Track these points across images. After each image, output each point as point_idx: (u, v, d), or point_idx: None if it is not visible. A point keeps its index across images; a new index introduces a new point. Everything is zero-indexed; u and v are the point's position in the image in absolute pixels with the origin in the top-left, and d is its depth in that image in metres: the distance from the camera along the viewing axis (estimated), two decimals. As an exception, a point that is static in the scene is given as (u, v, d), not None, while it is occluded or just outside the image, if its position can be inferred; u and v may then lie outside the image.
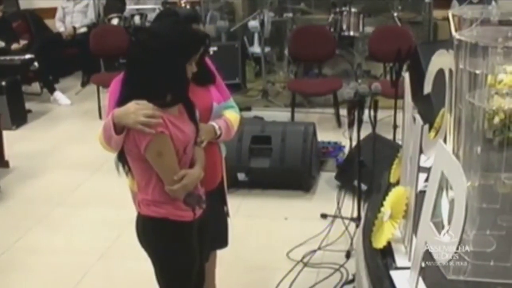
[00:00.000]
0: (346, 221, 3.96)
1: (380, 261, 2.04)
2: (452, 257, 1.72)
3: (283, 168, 4.55)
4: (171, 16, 2.59)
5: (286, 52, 6.91)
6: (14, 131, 6.16)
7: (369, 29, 6.67)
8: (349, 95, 3.53)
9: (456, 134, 2.23)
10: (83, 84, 7.64)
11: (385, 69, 6.50)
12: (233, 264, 3.50)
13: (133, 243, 2.42)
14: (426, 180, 2.10)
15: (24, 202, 4.69)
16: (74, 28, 7.75)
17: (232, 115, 2.63)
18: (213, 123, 2.52)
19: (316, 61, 6.54)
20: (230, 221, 2.83)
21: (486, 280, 1.86)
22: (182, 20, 2.50)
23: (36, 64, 6.96)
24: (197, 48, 2.28)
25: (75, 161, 5.40)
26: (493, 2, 2.76)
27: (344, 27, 6.66)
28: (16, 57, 6.90)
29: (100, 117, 6.27)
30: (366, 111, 3.57)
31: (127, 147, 2.22)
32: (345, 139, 4.68)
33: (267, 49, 7.09)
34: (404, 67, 4.34)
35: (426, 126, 2.07)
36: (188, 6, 7.02)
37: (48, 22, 8.29)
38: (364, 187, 3.92)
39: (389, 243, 2.09)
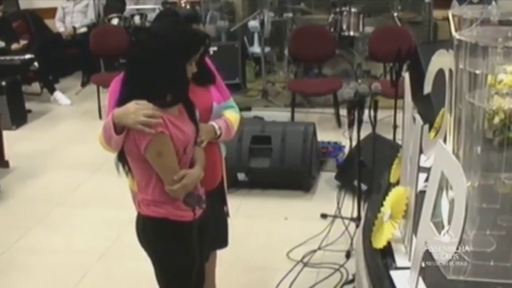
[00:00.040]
0: (346, 221, 3.96)
1: (380, 261, 2.04)
2: (452, 257, 1.72)
3: (283, 168, 4.55)
4: (171, 16, 2.59)
5: (286, 52, 6.91)
6: (14, 131, 6.16)
7: (369, 29, 6.67)
8: (349, 95, 3.53)
9: (456, 134, 2.23)
10: (83, 84, 7.64)
11: (385, 69, 6.50)
12: (233, 264, 3.50)
13: (133, 243, 2.42)
14: (426, 180, 2.10)
15: (24, 202, 4.69)
16: (74, 28, 7.75)
17: (232, 115, 2.63)
18: (213, 123, 2.52)
19: (316, 61, 6.54)
20: (230, 221, 2.83)
21: (486, 280, 1.87)
22: (182, 20, 2.50)
23: (36, 64, 6.96)
24: (197, 48, 2.28)
25: (75, 161, 5.40)
26: (493, 2, 2.76)
27: (344, 27, 6.66)
28: (16, 57, 6.91)
29: (100, 117, 6.27)
30: (366, 111, 3.57)
31: (127, 147, 2.22)
32: (345, 139, 4.68)
33: (267, 49, 7.09)
34: (404, 67, 4.34)
35: (426, 126, 2.07)
36: (188, 6, 7.02)
37: (48, 22, 8.29)
38: (364, 187, 3.92)
39: (389, 243, 2.09)
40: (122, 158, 2.30)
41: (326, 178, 4.77)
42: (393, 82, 4.20)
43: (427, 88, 2.54)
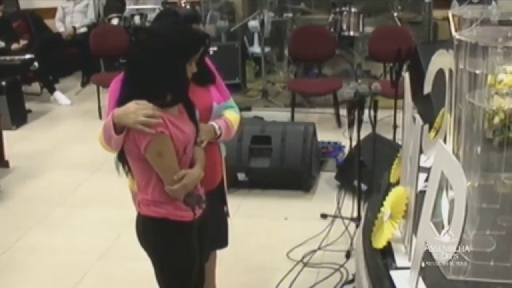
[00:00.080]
0: (346, 221, 3.96)
1: (380, 261, 2.04)
2: (452, 257, 1.72)
3: (283, 168, 4.55)
4: (171, 16, 2.59)
5: (286, 52, 6.91)
6: (14, 131, 6.16)
7: (369, 29, 6.67)
8: (349, 95, 3.53)
9: (456, 134, 2.23)
10: (83, 84, 7.64)
11: (385, 69, 6.50)
12: (233, 264, 3.50)
13: (133, 243, 2.42)
14: (426, 180, 2.10)
15: (24, 202, 4.69)
16: (74, 28, 7.75)
17: (232, 115, 2.63)
18: (213, 123, 2.52)
19: (316, 61, 6.54)
20: (230, 221, 2.83)
21: (486, 280, 1.87)
22: (182, 20, 2.50)
23: (36, 64, 6.96)
24: (197, 48, 2.28)
25: (75, 161, 5.40)
26: (493, 2, 2.76)
27: (344, 27, 6.66)
28: (16, 57, 6.90)
29: (100, 117, 6.27)
30: (366, 111, 3.57)
31: (127, 147, 2.22)
32: (345, 139, 4.68)
33: (267, 49, 7.09)
34: (404, 67, 4.34)
35: (426, 126, 2.07)
36: (188, 6, 7.01)
37: (48, 22, 8.28)
38: (364, 187, 3.92)
39: (389, 243, 2.09)
40: (122, 158, 2.30)
41: (326, 178, 4.77)
42: (393, 82, 4.20)
43: (427, 88, 2.54)
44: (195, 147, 2.32)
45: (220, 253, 2.87)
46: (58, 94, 7.16)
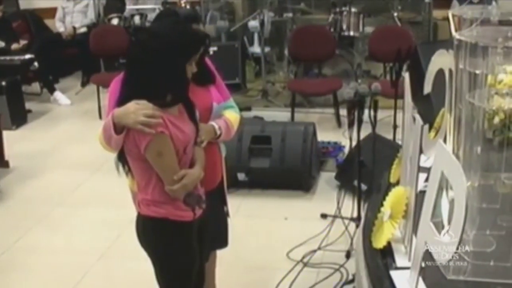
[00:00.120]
0: (346, 221, 3.96)
1: (380, 261, 2.04)
2: (452, 257, 1.72)
3: (283, 168, 4.55)
4: (171, 16, 2.59)
5: (286, 52, 6.91)
6: (14, 131, 6.16)
7: (369, 29, 6.67)
8: (349, 95, 3.53)
9: (456, 134, 2.23)
10: (83, 84, 7.64)
11: (385, 69, 6.50)
12: (233, 264, 3.50)
13: (133, 243, 2.42)
14: (426, 180, 2.10)
15: (24, 202, 4.69)
16: (74, 28, 7.75)
17: (232, 115, 2.63)
18: (213, 123, 2.52)
19: (316, 61, 6.54)
20: (230, 221, 2.83)
21: (486, 280, 1.87)
22: (182, 20, 2.50)
23: (36, 64, 6.96)
24: (197, 48, 2.28)
25: (75, 161, 5.40)
26: (493, 2, 2.76)
27: (344, 27, 6.66)
28: (16, 57, 6.90)
29: (100, 117, 6.27)
30: (366, 111, 3.57)
31: (127, 147, 2.22)
32: (345, 139, 4.68)
33: (267, 49, 7.09)
34: (404, 67, 4.34)
35: (426, 126, 2.07)
36: (188, 6, 7.01)
37: (48, 22, 8.28)
38: (364, 187, 3.92)
39: (389, 243, 2.09)
40: (122, 158, 2.30)
41: (326, 178, 4.77)
42: (393, 82, 4.20)
43: (427, 88, 2.54)
44: (195, 147, 2.32)
45: (220, 253, 2.87)
46: (58, 94, 7.16)
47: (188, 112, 2.30)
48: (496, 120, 2.07)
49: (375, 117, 3.57)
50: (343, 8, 6.66)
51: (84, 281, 3.64)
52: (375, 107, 3.56)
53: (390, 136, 4.39)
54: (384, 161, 2.88)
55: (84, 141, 5.44)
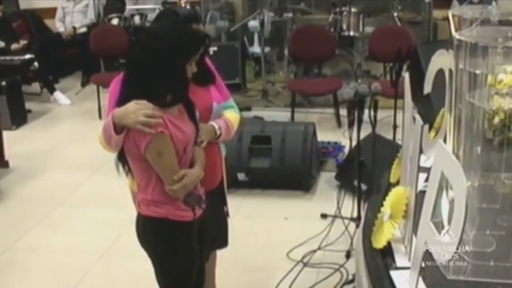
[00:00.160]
0: (346, 221, 3.96)
1: (380, 261, 2.04)
2: (452, 257, 1.72)
3: (283, 168, 4.55)
4: (171, 16, 2.59)
5: (286, 52, 6.91)
6: (14, 131, 6.16)
7: (369, 29, 6.67)
8: (349, 95, 3.53)
9: (456, 134, 2.23)
10: (83, 84, 7.64)
11: (385, 69, 6.50)
12: (233, 264, 3.50)
13: (133, 243, 2.42)
14: (426, 180, 2.10)
15: (24, 202, 4.69)
16: (74, 28, 7.75)
17: (232, 115, 2.63)
18: (213, 123, 2.52)
19: (316, 61, 6.54)
20: (230, 221, 2.83)
21: (486, 280, 1.87)
22: (182, 20, 2.50)
23: (36, 64, 6.96)
24: (197, 48, 2.28)
25: (75, 161, 5.40)
26: (493, 2, 2.76)
27: (344, 27, 6.66)
28: (16, 57, 6.90)
29: (100, 117, 6.27)
30: (366, 111, 3.57)
31: (127, 147, 2.22)
32: (345, 139, 4.68)
33: (267, 49, 7.09)
34: (404, 67, 4.34)
35: (426, 126, 2.07)
36: (188, 6, 7.01)
37: (48, 22, 8.28)
38: (364, 187, 3.92)
39: (389, 243, 2.09)
40: (122, 158, 2.30)
41: (326, 178, 4.77)
42: (393, 82, 4.20)
43: (427, 88, 2.54)
44: (195, 147, 2.32)
45: (220, 253, 2.87)
46: (58, 94, 7.16)
47: (188, 112, 2.30)
48: (496, 120, 2.07)
49: (375, 117, 3.57)
50: (343, 8, 6.66)
51: (84, 281, 3.64)
52: (375, 107, 3.56)
53: (390, 136, 4.40)
54: (384, 161, 2.88)
55: (84, 141, 5.44)
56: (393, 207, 2.13)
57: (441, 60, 2.42)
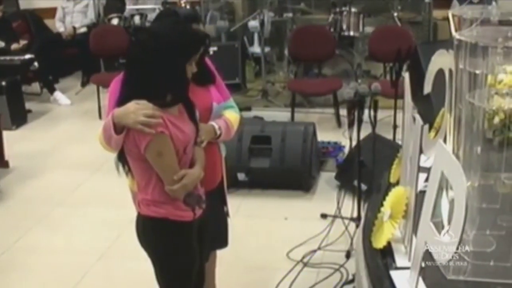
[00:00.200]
0: (346, 221, 3.96)
1: (380, 261, 2.04)
2: (452, 257, 1.72)
3: (283, 168, 4.55)
4: (171, 16, 2.59)
5: (286, 52, 6.91)
6: (14, 131, 6.16)
7: (369, 29, 6.67)
8: (349, 95, 3.53)
9: (456, 134, 2.23)
10: (83, 84, 7.64)
11: (385, 69, 6.50)
12: (233, 264, 3.50)
13: (133, 243, 2.42)
14: (426, 180, 2.10)
15: (24, 202, 4.69)
16: (74, 28, 7.75)
17: (232, 115, 2.63)
18: (213, 123, 2.52)
19: (316, 61, 6.54)
20: (230, 221, 2.83)
21: (486, 280, 1.87)
22: (182, 20, 2.50)
23: (36, 64, 6.96)
24: (197, 48, 2.28)
25: (75, 161, 5.40)
26: (493, 2, 2.76)
27: (344, 27, 6.66)
28: (16, 57, 6.90)
29: (100, 117, 6.27)
30: (366, 111, 3.57)
31: (127, 147, 2.22)
32: (345, 139, 4.68)
33: (267, 49, 7.09)
34: (404, 67, 4.34)
35: (426, 126, 2.07)
36: (188, 6, 7.01)
37: (48, 22, 8.28)
38: (364, 187, 3.92)
39: (389, 243, 2.09)
40: (122, 158, 2.30)
41: (326, 178, 4.77)
42: (393, 82, 4.20)
43: (427, 88, 2.54)
44: (195, 147, 2.32)
45: (220, 253, 2.87)
46: (58, 94, 7.16)
47: (188, 112, 2.30)
48: (496, 120, 2.07)
49: (375, 117, 3.57)
50: (343, 8, 6.66)
51: (84, 281, 3.64)
52: (375, 107, 3.56)
53: (390, 136, 4.39)
54: (384, 161, 2.88)
55: (84, 141, 5.44)
56: (393, 207, 2.13)
57: (441, 60, 2.42)
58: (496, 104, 2.06)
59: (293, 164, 4.54)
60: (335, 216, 4.09)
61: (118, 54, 6.73)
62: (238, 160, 4.51)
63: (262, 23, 6.77)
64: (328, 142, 5.12)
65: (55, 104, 7.10)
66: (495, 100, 2.07)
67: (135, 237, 2.40)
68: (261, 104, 6.52)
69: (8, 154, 5.31)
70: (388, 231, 2.10)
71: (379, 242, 2.09)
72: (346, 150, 4.83)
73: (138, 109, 2.13)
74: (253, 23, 7.13)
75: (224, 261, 2.96)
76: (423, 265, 1.83)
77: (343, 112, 4.96)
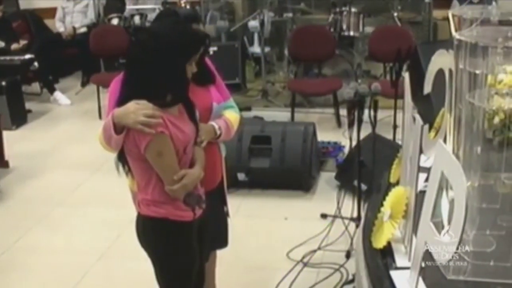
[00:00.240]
0: (346, 221, 3.96)
1: (380, 261, 2.04)
2: (452, 257, 1.72)
3: (283, 168, 4.55)
4: (171, 16, 2.59)
5: (286, 52, 6.91)
6: (14, 131, 6.16)
7: (369, 29, 6.67)
8: (349, 95, 3.53)
9: (456, 134, 2.23)
10: (83, 84, 7.64)
11: (385, 69, 6.50)
12: (233, 264, 3.50)
13: (133, 243, 2.42)
14: (426, 180, 2.10)
15: (24, 202, 4.69)
16: (74, 28, 7.75)
17: (232, 115, 2.63)
18: (213, 123, 2.52)
19: (316, 61, 6.54)
20: (230, 221, 2.83)
21: (486, 280, 1.87)
22: (182, 20, 2.50)
23: (36, 64, 6.96)
24: (197, 48, 2.28)
25: (75, 161, 5.40)
26: (493, 2, 2.76)
27: (344, 27, 6.66)
28: (16, 57, 6.90)
29: (100, 117, 6.27)
30: (366, 111, 3.57)
31: (127, 147, 2.22)
32: (345, 139, 4.68)
33: (267, 49, 7.09)
34: (404, 67, 4.34)
35: (426, 126, 2.07)
36: (188, 6, 7.01)
37: (48, 22, 8.29)
38: (364, 187, 3.92)
39: (389, 243, 2.09)
40: (122, 158, 2.30)
41: (326, 178, 4.77)
42: (393, 82, 4.20)
43: (427, 88, 2.54)
44: (195, 147, 2.32)
45: (220, 253, 2.87)
46: (58, 94, 7.16)
47: (188, 112, 2.30)
48: (496, 120, 2.07)
49: (375, 117, 3.57)
50: (343, 8, 6.66)
51: (84, 281, 3.64)
52: (375, 107, 3.56)
53: (390, 136, 4.40)
54: (384, 161, 2.88)
55: (84, 141, 5.44)
56: (393, 207, 2.13)
57: (441, 60, 2.42)
58: (496, 104, 2.06)
59: (293, 164, 4.54)
60: (335, 216, 4.09)
61: (118, 54, 6.73)
62: (238, 160, 4.51)
63: (262, 23, 6.77)
64: (328, 142, 5.12)
65: (55, 104, 7.10)
66: (495, 100, 2.07)
67: (135, 237, 2.40)
68: (261, 104, 6.52)
69: (8, 154, 5.31)
70: (388, 231, 2.10)
71: (379, 242, 2.09)
72: (346, 150, 4.83)
73: (138, 109, 2.13)
74: (253, 23, 7.13)
75: (224, 261, 2.95)
76: (423, 265, 1.83)
77: (343, 112, 4.96)
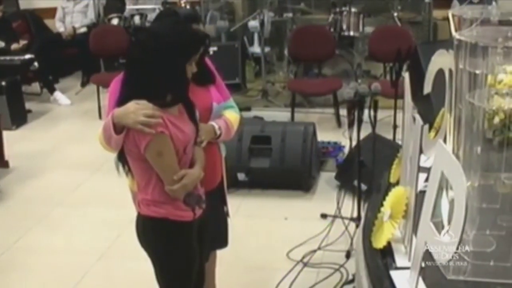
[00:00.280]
0: (346, 221, 3.96)
1: (380, 261, 2.04)
2: (452, 257, 1.72)
3: (283, 168, 4.55)
4: (171, 16, 2.59)
5: (286, 52, 6.91)
6: (14, 131, 6.16)
7: (369, 29, 6.67)
8: (349, 95, 3.53)
9: (456, 134, 2.23)
10: (83, 84, 7.64)
11: (385, 69, 6.50)
12: (233, 264, 3.50)
13: (133, 243, 2.42)
14: (426, 180, 2.10)
15: (24, 202, 4.69)
16: (74, 28, 7.75)
17: (232, 115, 2.63)
18: (213, 123, 2.52)
19: (316, 61, 6.54)
20: (230, 221, 2.83)
21: (486, 280, 1.87)
22: (182, 20, 2.50)
23: (36, 64, 6.96)
24: (197, 48, 2.28)
25: (75, 161, 5.40)
26: (493, 2, 2.77)
27: (344, 27, 6.66)
28: (16, 57, 6.90)
29: (100, 117, 6.28)
30: (366, 111, 3.57)
31: (127, 147, 2.22)
32: (345, 139, 4.68)
33: (267, 49, 7.09)
34: (404, 67, 4.34)
35: (426, 126, 2.07)
36: (188, 6, 7.01)
37: (48, 22, 8.29)
38: (364, 187, 3.92)
39: (389, 243, 2.09)
40: (122, 158, 2.30)
41: (326, 178, 4.77)
42: (393, 82, 4.20)
43: (427, 88, 2.54)
44: (195, 147, 2.32)
45: (220, 253, 2.87)
46: (58, 94, 7.16)
47: (188, 112, 2.30)
48: (496, 120, 2.07)
49: (375, 117, 3.57)
50: (343, 8, 6.66)
51: (84, 281, 3.64)
52: (375, 107, 3.56)
53: (390, 136, 4.40)
54: (384, 161, 2.88)
55: (84, 141, 5.43)
56: (393, 207, 2.13)
57: (441, 60, 2.42)
58: (496, 104, 2.06)
59: (293, 164, 4.54)
60: (335, 216, 4.09)
61: (118, 54, 6.74)
62: (238, 160, 4.51)
63: (262, 23, 6.77)
64: (328, 142, 5.12)
65: (55, 104, 7.10)
66: (495, 100, 2.07)
67: (135, 237, 2.40)
68: (261, 104, 6.52)
69: (8, 154, 5.31)
70: (388, 231, 2.10)
71: (379, 242, 2.09)
72: (346, 150, 4.83)
73: (138, 109, 2.13)
74: (253, 23, 7.13)
75: (224, 261, 2.96)
76: (423, 265, 1.83)
77: (343, 112, 4.96)
